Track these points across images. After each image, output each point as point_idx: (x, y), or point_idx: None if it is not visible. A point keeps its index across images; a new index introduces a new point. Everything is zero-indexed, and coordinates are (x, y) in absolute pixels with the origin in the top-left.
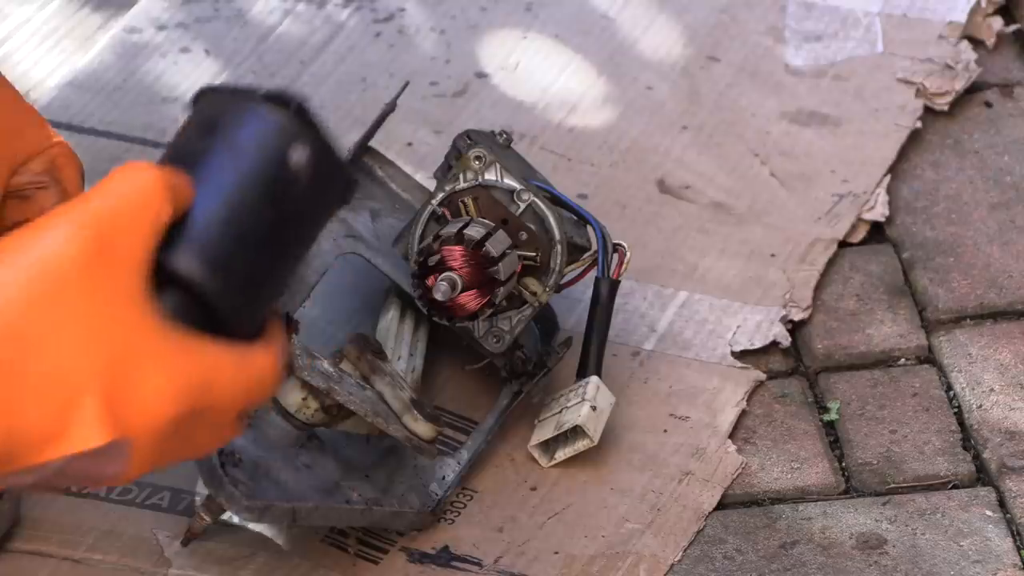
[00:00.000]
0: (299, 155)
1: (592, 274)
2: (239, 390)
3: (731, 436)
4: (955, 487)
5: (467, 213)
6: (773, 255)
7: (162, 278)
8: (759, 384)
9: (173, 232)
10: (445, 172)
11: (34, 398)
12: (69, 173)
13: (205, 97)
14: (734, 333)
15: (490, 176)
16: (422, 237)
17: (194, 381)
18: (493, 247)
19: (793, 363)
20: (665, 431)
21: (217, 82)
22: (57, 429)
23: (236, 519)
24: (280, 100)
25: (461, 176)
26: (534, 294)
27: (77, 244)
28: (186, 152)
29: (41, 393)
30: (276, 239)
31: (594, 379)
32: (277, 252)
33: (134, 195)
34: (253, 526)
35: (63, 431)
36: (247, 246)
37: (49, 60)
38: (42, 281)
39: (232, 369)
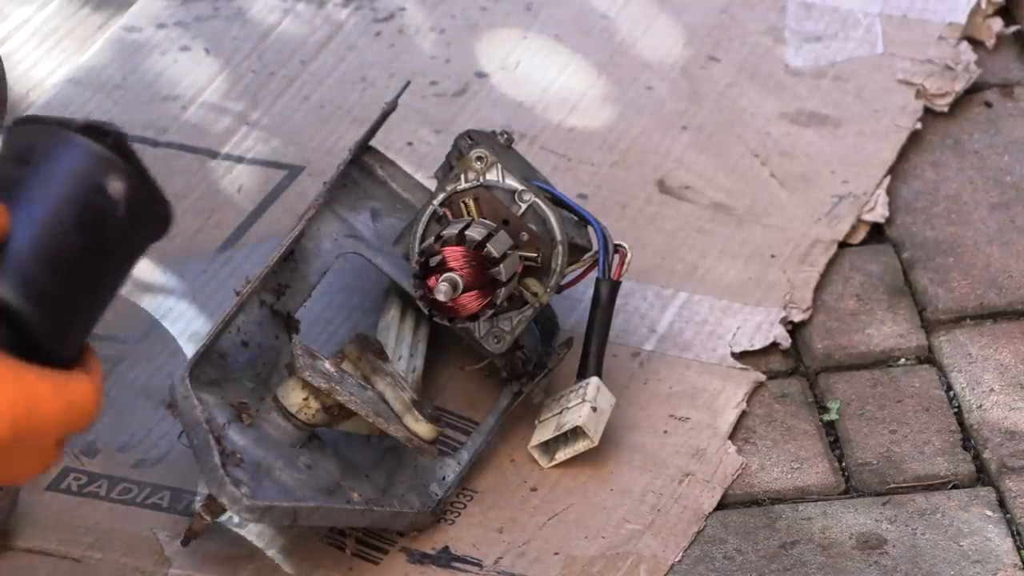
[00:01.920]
0: (115, 185)
1: (592, 275)
2: (60, 416)
3: (731, 437)
4: (955, 487)
5: (468, 213)
6: (773, 256)
7: None
8: (759, 385)
9: None
10: (446, 172)
11: None
12: None
13: (21, 127)
14: (734, 334)
15: (491, 176)
16: (423, 237)
17: (15, 408)
18: (494, 248)
19: (793, 363)
20: (665, 432)
21: (217, 82)
22: None
23: (236, 520)
24: (97, 131)
25: (462, 176)
26: (535, 295)
27: None
28: (1, 181)
29: None
30: (92, 267)
31: (594, 380)
32: (93, 280)
33: None
34: (246, 533)
35: None
36: (63, 273)
37: (49, 60)
38: None
39: (52, 395)
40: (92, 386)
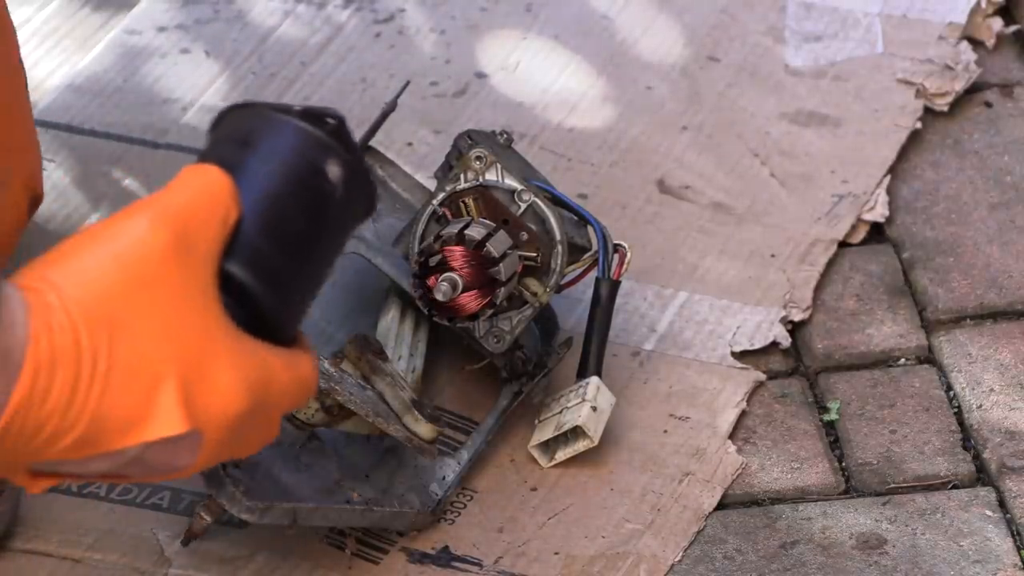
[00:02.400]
0: (334, 170)
1: (592, 274)
2: (288, 392)
3: (731, 436)
4: (955, 487)
5: (468, 213)
6: (773, 255)
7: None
8: (759, 384)
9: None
10: (446, 172)
11: (121, 382)
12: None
13: (238, 112)
14: (734, 333)
15: (491, 176)
16: (423, 237)
17: (257, 380)
18: (494, 247)
19: (793, 363)
20: (665, 431)
21: (218, 84)
22: (140, 415)
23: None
24: (316, 118)
25: (462, 176)
26: (535, 294)
27: (160, 235)
28: (226, 163)
29: (127, 378)
30: (312, 247)
31: (594, 379)
32: (313, 260)
33: (206, 194)
34: (245, 533)
35: (145, 417)
36: (288, 253)
37: (49, 61)
38: (129, 268)
39: (283, 371)
40: (313, 363)
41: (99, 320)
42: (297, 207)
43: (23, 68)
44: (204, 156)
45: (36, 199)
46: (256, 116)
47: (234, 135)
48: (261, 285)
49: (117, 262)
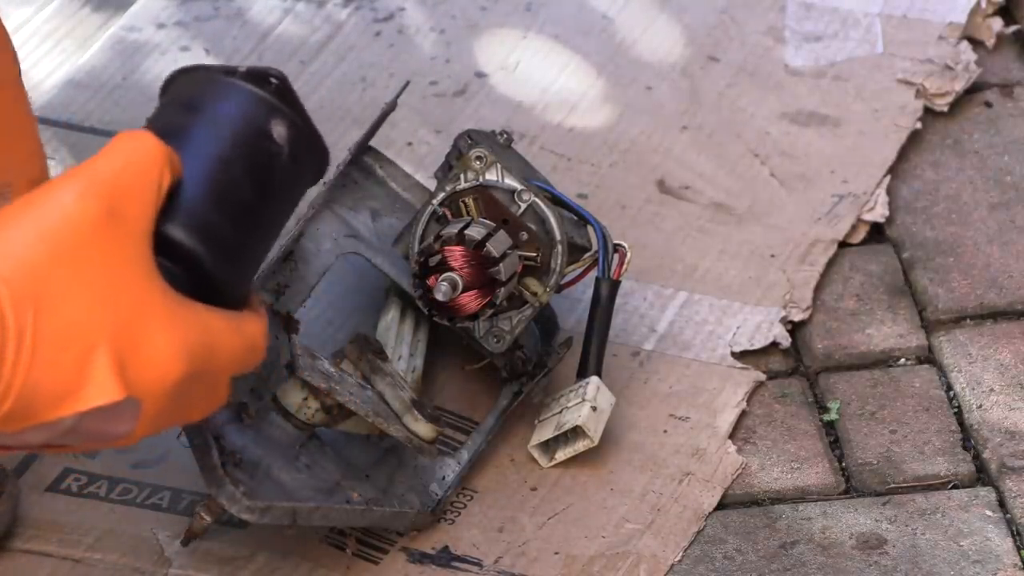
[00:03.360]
0: (280, 130)
1: (592, 274)
2: (235, 355)
3: (731, 436)
4: (955, 487)
5: (468, 213)
6: (773, 255)
7: (157, 246)
8: (759, 384)
9: (167, 202)
10: (446, 172)
11: (50, 355)
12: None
13: (182, 76)
14: (734, 333)
15: (491, 176)
16: (423, 237)
17: (198, 343)
18: (494, 247)
19: (793, 363)
20: (665, 431)
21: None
22: (71, 386)
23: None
24: (261, 78)
25: (462, 176)
26: (535, 294)
27: (87, 206)
28: (169, 127)
29: (56, 350)
30: (259, 209)
31: (594, 379)
32: (260, 222)
33: (137, 160)
34: (245, 533)
35: (77, 388)
36: (233, 216)
37: (49, 60)
38: (54, 241)
39: (228, 334)
40: (262, 326)
41: (24, 295)
42: (242, 168)
43: (21, 80)
44: (150, 121)
45: None
46: (201, 79)
47: (179, 99)
48: (204, 247)
49: (43, 236)
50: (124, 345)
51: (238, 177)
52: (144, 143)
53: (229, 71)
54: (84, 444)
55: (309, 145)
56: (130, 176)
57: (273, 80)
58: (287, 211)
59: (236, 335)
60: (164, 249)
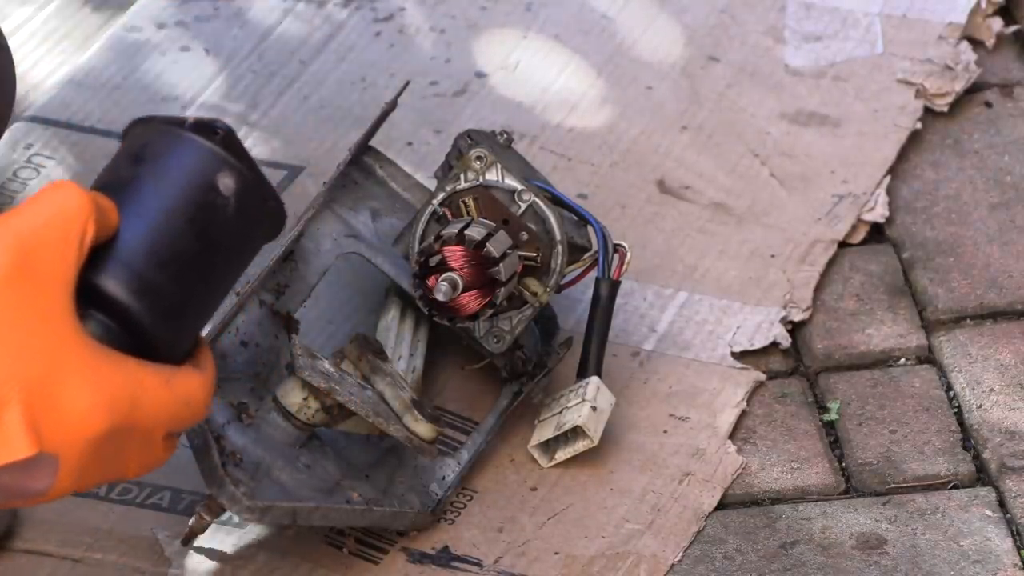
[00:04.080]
0: (226, 182)
1: (592, 274)
2: (165, 410)
3: (731, 436)
4: (955, 487)
5: (468, 213)
6: (773, 255)
7: (90, 299)
8: (759, 384)
9: (101, 254)
10: (446, 172)
11: None
12: None
13: (136, 127)
14: (734, 334)
15: (491, 176)
16: (423, 237)
17: (120, 398)
18: (494, 247)
19: (793, 363)
20: (665, 432)
21: (217, 82)
22: None
23: (236, 520)
24: (208, 129)
25: (462, 176)
26: (535, 294)
27: (0, 259)
28: (115, 179)
29: None
30: (202, 264)
31: (594, 379)
32: (203, 277)
33: (59, 213)
34: (245, 533)
35: None
36: (172, 270)
37: (49, 60)
38: None
39: (158, 389)
40: (201, 380)
41: None
42: (184, 221)
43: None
44: (100, 174)
45: None
46: (150, 130)
47: (129, 150)
48: (137, 300)
49: None
50: (37, 400)
51: (180, 229)
52: (67, 195)
53: (177, 122)
54: (4, 501)
55: (259, 198)
56: (49, 229)
57: (219, 131)
58: (236, 265)
59: (166, 390)
60: (97, 301)
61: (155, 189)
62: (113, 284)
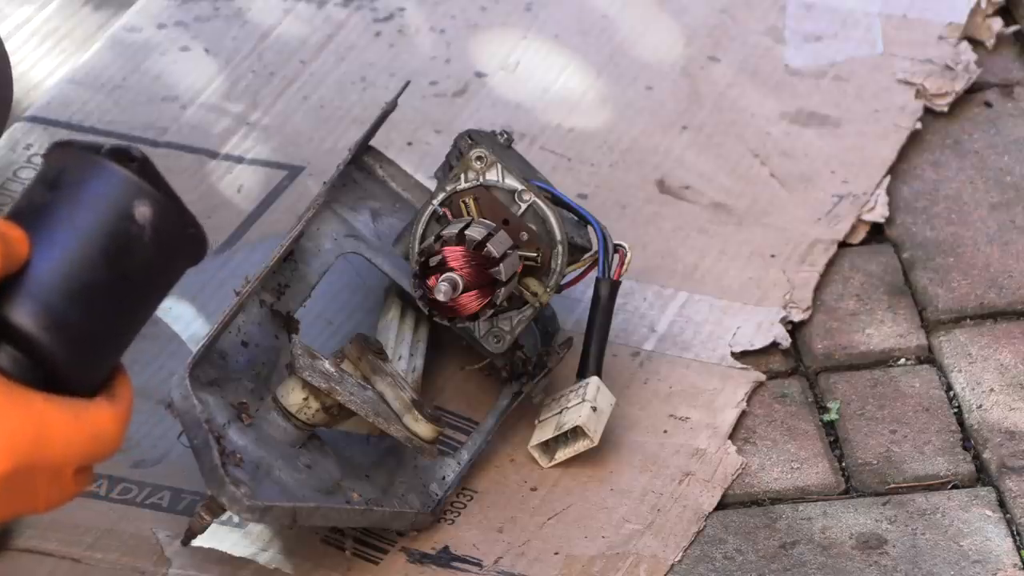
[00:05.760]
0: (142, 210)
1: (592, 274)
2: (75, 447)
3: (731, 436)
4: (955, 487)
5: (468, 213)
6: (773, 256)
7: None
8: (759, 384)
9: (10, 285)
10: (446, 172)
11: None
12: None
13: (54, 152)
14: (734, 334)
15: (491, 176)
16: (423, 237)
17: (25, 436)
18: (494, 248)
19: (793, 363)
20: (665, 432)
21: (217, 82)
22: None
23: (236, 520)
24: (124, 155)
25: (462, 176)
26: (535, 294)
27: None
28: (29, 207)
29: None
30: (116, 295)
31: (594, 380)
32: (117, 308)
33: None
34: (245, 533)
35: None
36: (85, 301)
37: (49, 60)
38: None
39: (66, 425)
40: (112, 414)
41: None
42: (98, 250)
43: None
44: (16, 199)
45: None
46: (67, 156)
47: (46, 176)
48: (44, 331)
49: None
50: None
51: (93, 259)
52: None
53: (94, 148)
54: None
55: (176, 225)
56: None
57: (136, 158)
58: (153, 295)
59: (75, 426)
60: (4, 334)
61: (68, 217)
62: (21, 316)
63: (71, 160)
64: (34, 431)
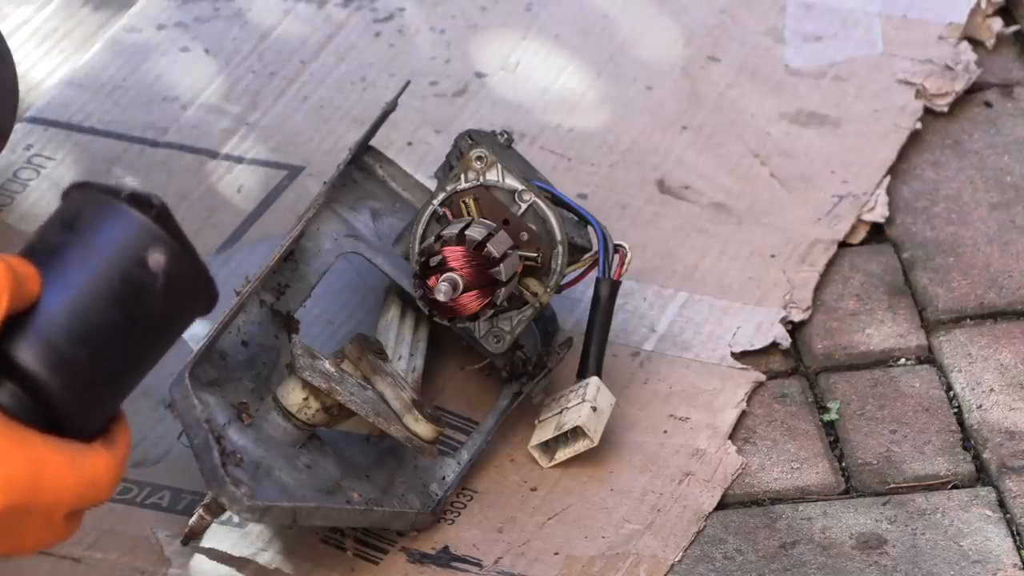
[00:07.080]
0: (156, 258)
1: (592, 275)
2: (68, 491)
3: (731, 436)
4: (955, 487)
5: (468, 213)
6: (773, 256)
7: (2, 368)
8: (759, 384)
9: (19, 323)
10: (446, 172)
11: None
12: None
13: (73, 192)
14: (734, 334)
15: (491, 176)
16: (423, 237)
17: (19, 480)
18: (494, 248)
19: (793, 363)
20: (665, 432)
21: (217, 82)
22: None
23: (236, 520)
24: (142, 202)
25: (463, 176)
26: (535, 295)
27: None
28: (43, 246)
29: None
30: (124, 341)
31: (594, 380)
32: (125, 355)
33: None
34: (245, 533)
35: None
36: (92, 345)
37: (49, 60)
38: None
39: (62, 468)
40: (109, 460)
41: None
42: (108, 295)
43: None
44: (31, 237)
45: None
46: (85, 197)
47: (62, 215)
48: (49, 373)
49: None
50: None
51: (103, 304)
52: None
53: (114, 192)
54: None
55: (188, 277)
56: None
57: (155, 205)
58: (160, 343)
59: (71, 471)
60: (9, 371)
61: (82, 259)
62: (27, 356)
63: (89, 202)
64: (31, 473)
